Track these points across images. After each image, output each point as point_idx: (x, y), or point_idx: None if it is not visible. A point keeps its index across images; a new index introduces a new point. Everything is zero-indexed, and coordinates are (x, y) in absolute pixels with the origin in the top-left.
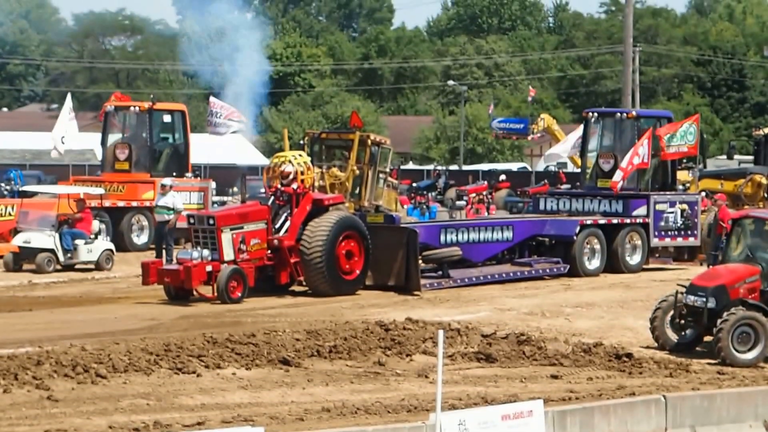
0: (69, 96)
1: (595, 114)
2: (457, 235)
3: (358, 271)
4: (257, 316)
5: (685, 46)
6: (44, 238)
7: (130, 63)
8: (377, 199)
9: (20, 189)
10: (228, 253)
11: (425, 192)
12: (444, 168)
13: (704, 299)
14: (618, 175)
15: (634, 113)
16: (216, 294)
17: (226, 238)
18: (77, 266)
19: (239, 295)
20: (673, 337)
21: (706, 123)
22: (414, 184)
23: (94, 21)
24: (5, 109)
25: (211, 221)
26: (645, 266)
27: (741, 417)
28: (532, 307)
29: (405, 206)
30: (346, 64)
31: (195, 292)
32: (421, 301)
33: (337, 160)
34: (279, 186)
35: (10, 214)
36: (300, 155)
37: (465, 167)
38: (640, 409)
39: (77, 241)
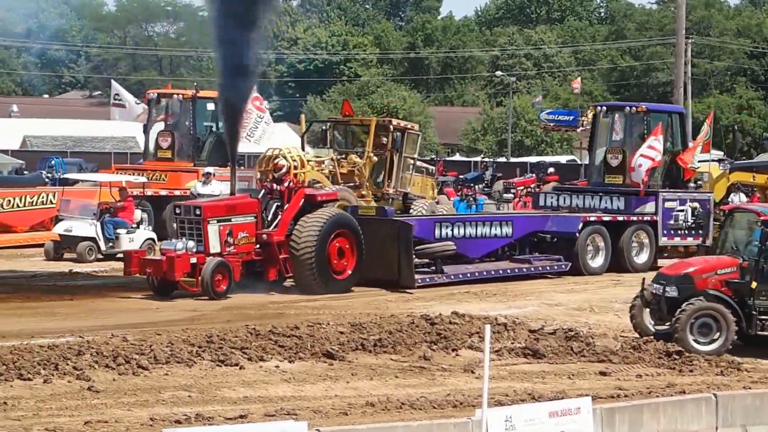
0: (113, 83)
1: (604, 108)
2: (452, 230)
3: (349, 271)
4: (301, 308)
5: (739, 38)
6: (86, 227)
7: (173, 50)
8: (404, 186)
9: (61, 177)
10: (214, 246)
11: (472, 184)
12: (491, 160)
13: (663, 288)
14: (637, 176)
15: (644, 107)
16: (200, 287)
17: (213, 229)
18: (119, 255)
19: (224, 288)
20: (652, 327)
21: (759, 117)
22: (461, 176)
23: (137, 7)
24: (46, 96)
25: (198, 212)
26: (655, 266)
27: None
28: (580, 303)
29: (452, 198)
30: (393, 53)
31: (178, 285)
32: (467, 294)
33: (358, 147)
34: (271, 180)
35: (51, 202)
36: (295, 149)
37: (513, 159)
38: (691, 407)
39: (119, 230)
